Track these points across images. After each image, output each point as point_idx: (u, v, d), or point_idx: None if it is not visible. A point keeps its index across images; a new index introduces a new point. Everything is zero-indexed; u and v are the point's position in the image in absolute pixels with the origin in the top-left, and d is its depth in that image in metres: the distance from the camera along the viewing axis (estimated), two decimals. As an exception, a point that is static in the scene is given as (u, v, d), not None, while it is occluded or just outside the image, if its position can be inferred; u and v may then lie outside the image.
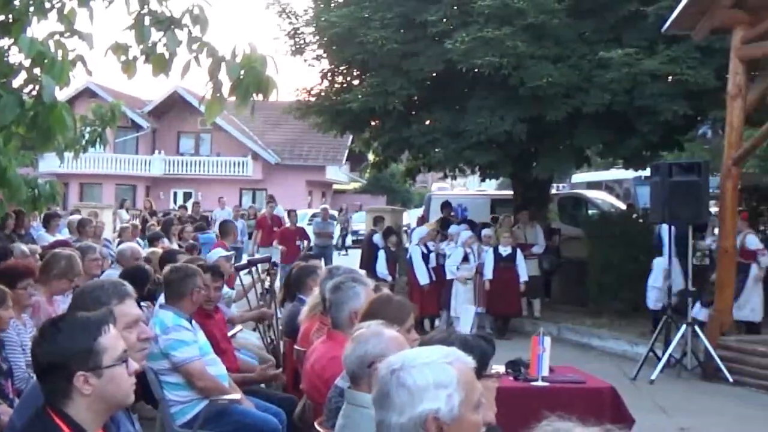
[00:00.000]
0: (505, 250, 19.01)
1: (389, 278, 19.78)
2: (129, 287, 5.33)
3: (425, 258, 19.73)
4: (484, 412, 3.38)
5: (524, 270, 19.15)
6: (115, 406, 3.84)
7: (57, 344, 3.68)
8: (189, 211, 30.25)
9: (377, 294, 6.49)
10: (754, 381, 14.23)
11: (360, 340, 4.88)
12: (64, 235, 17.48)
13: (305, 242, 24.88)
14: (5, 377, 7.28)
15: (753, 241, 16.79)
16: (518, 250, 19.35)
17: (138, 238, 18.81)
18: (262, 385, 9.96)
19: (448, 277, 19.02)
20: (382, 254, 20.79)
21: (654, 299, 17.66)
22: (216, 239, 21.25)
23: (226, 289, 11.55)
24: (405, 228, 30.90)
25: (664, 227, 17.52)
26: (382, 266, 20.48)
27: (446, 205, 24.59)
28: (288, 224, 25.24)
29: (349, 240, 46.13)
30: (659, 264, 17.51)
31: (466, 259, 18.91)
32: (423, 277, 19.50)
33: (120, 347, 3.78)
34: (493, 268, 18.89)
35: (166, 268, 8.46)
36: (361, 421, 4.46)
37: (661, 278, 17.25)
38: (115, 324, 3.91)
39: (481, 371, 3.85)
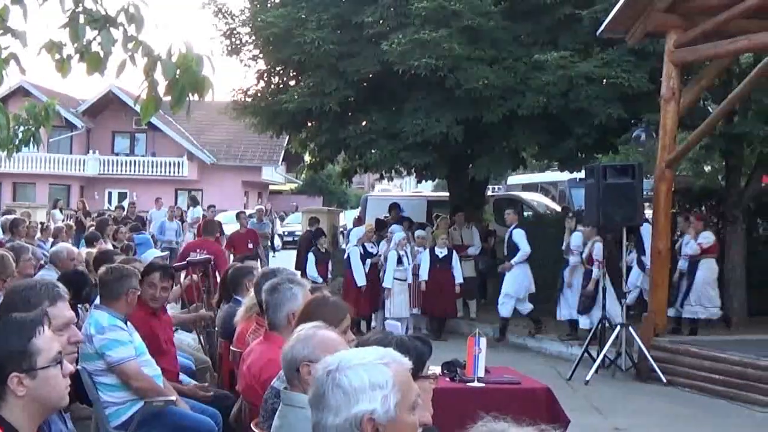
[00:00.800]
0: (441, 252, 19.03)
1: (319, 280, 19.62)
2: (62, 289, 5.29)
3: (363, 259, 19.71)
4: (421, 413, 3.39)
5: (460, 271, 19.20)
6: (49, 407, 3.81)
7: (-12, 345, 3.64)
8: (125, 212, 30.01)
9: (313, 295, 6.49)
10: (687, 381, 14.40)
11: (289, 344, 4.88)
12: (-2, 235, 17.29)
13: (258, 245, 24.38)
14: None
15: (598, 251, 17.03)
16: (454, 252, 19.39)
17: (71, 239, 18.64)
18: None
19: (384, 285, 19.05)
20: (311, 256, 20.70)
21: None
22: (151, 239, 21.12)
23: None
24: (341, 229, 30.89)
25: (517, 232, 18.03)
26: (311, 268, 20.39)
27: (394, 207, 24.51)
28: (238, 227, 24.92)
29: (278, 241, 45.40)
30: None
31: (399, 261, 18.95)
32: (360, 279, 19.49)
33: (55, 349, 3.74)
34: (429, 270, 18.94)
35: (102, 269, 8.37)
36: (296, 422, 4.45)
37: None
38: (50, 325, 3.87)
39: (417, 372, 3.86)
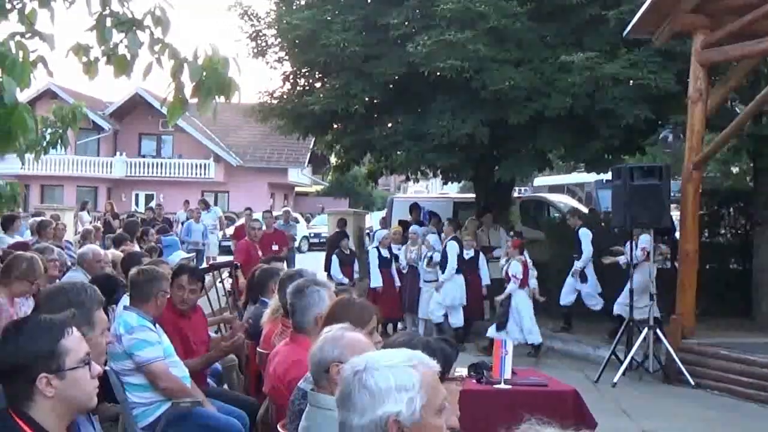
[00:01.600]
0: (467, 254, 18.97)
1: (345, 281, 19.58)
2: (100, 293, 5.44)
3: (386, 261, 19.69)
4: (448, 415, 3.39)
5: (486, 273, 19.10)
6: (77, 408, 3.82)
7: (19, 346, 3.67)
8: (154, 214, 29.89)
9: (339, 297, 6.49)
10: (715, 384, 14.33)
11: (318, 345, 4.89)
12: (26, 237, 17.35)
13: (285, 247, 23.52)
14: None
15: (516, 268, 17.21)
16: (481, 254, 19.32)
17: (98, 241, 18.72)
18: (225, 386, 9.96)
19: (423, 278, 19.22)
20: (335, 258, 20.67)
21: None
22: (179, 241, 21.13)
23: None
24: (368, 231, 30.88)
25: (450, 244, 18.68)
26: (336, 270, 20.37)
27: (415, 208, 24.46)
28: (264, 227, 24.28)
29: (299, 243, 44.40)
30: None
31: (429, 261, 18.97)
32: (375, 281, 19.52)
33: (83, 350, 3.77)
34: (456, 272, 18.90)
35: (133, 270, 8.42)
36: (323, 423, 4.46)
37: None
38: (80, 327, 3.91)
39: (444, 374, 3.85)
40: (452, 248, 18.70)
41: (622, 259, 17.28)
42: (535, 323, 17.11)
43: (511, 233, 19.63)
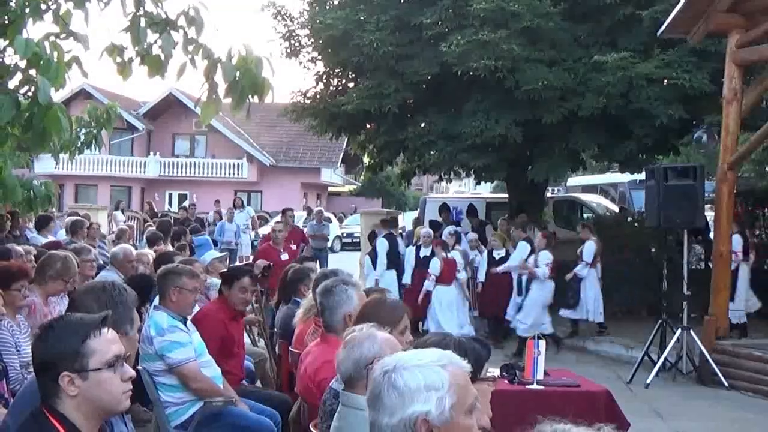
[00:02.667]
0: (498, 253, 18.88)
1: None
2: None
3: (424, 261, 19.60)
4: (479, 415, 3.39)
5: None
6: (104, 410, 3.82)
7: (48, 344, 3.71)
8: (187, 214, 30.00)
9: (370, 296, 6.50)
10: (750, 385, 14.20)
11: (353, 344, 4.88)
12: (60, 236, 17.42)
13: (304, 246, 22.93)
14: (0, 378, 7.28)
15: (434, 266, 17.87)
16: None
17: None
18: (258, 384, 10.01)
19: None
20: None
21: None
22: (210, 241, 21.15)
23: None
24: (400, 231, 30.89)
25: (380, 241, 19.75)
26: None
27: (445, 208, 24.36)
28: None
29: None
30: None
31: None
32: (406, 277, 19.50)
33: (111, 352, 3.76)
34: (486, 271, 18.83)
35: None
36: (356, 423, 4.46)
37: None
38: (123, 325, 3.96)
39: (475, 374, 3.85)
40: (381, 245, 19.52)
41: (539, 272, 17.13)
42: (458, 318, 17.73)
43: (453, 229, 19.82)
